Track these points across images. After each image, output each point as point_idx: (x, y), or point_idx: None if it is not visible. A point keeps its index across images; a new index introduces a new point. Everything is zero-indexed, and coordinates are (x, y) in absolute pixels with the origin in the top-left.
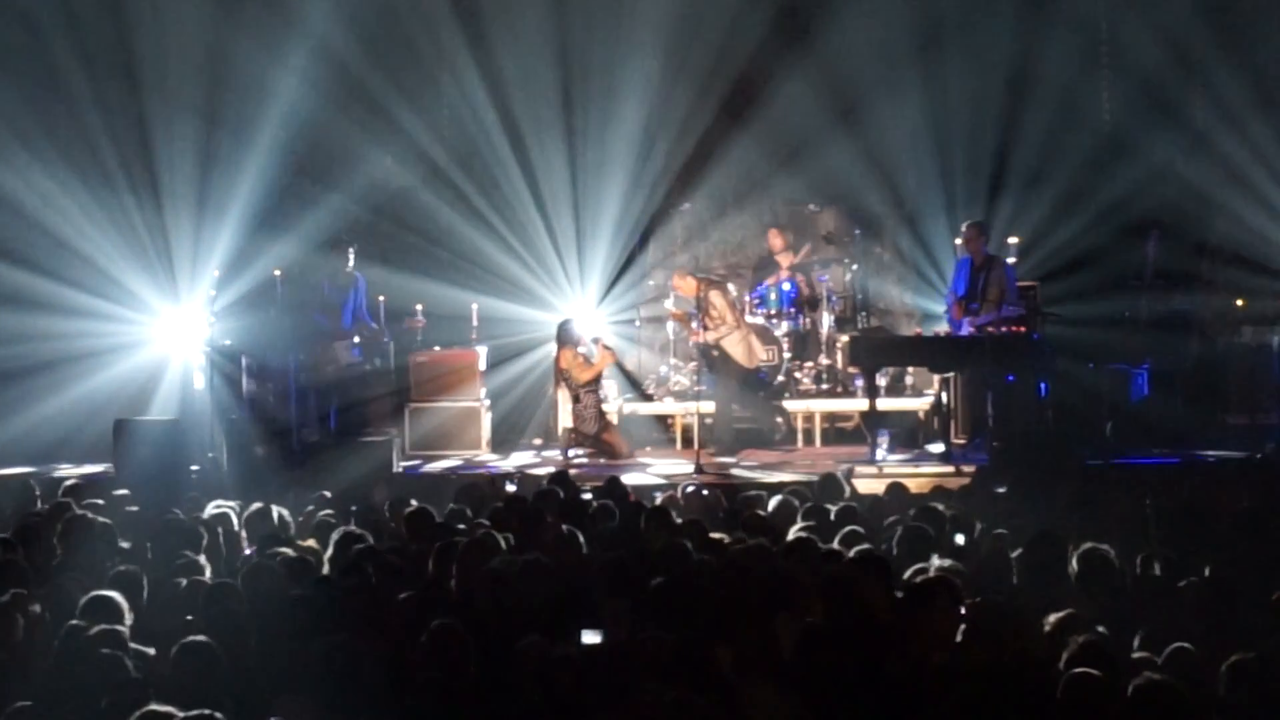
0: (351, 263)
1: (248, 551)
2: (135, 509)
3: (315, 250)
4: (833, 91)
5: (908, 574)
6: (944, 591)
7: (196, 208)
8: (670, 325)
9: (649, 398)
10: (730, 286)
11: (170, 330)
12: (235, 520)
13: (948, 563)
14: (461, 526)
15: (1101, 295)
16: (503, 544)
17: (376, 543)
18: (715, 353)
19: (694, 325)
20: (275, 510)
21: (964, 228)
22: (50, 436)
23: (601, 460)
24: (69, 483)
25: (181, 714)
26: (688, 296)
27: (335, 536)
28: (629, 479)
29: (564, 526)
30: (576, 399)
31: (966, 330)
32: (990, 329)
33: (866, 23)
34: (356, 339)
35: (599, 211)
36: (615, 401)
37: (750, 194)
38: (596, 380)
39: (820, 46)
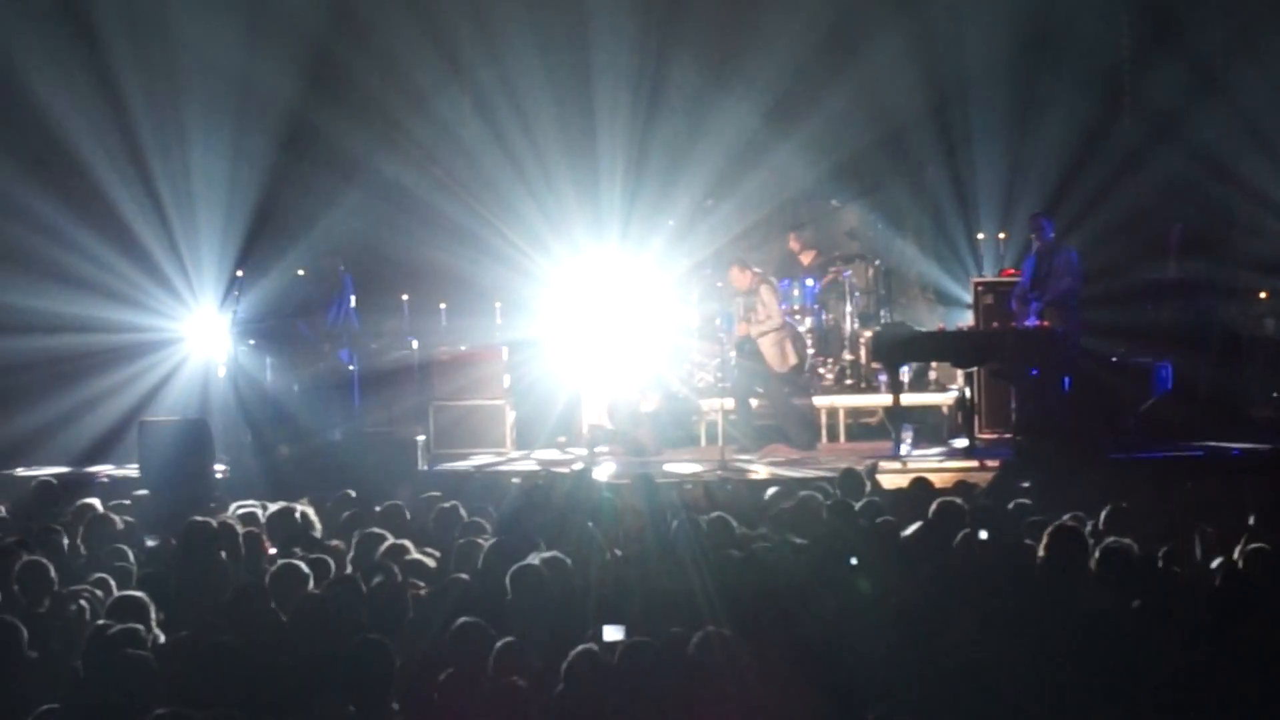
0: (341, 265)
1: (272, 552)
2: (160, 509)
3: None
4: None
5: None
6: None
7: (220, 209)
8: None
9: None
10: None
11: (194, 331)
12: (260, 520)
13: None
14: (484, 524)
15: (1125, 289)
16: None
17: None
18: (748, 348)
19: (721, 323)
20: (299, 510)
21: (1029, 220)
22: (74, 438)
23: (628, 457)
24: (97, 482)
25: (201, 715)
26: (740, 289)
27: (358, 536)
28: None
29: (588, 523)
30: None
31: (1031, 321)
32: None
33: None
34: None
35: (624, 207)
36: (640, 398)
37: (773, 192)
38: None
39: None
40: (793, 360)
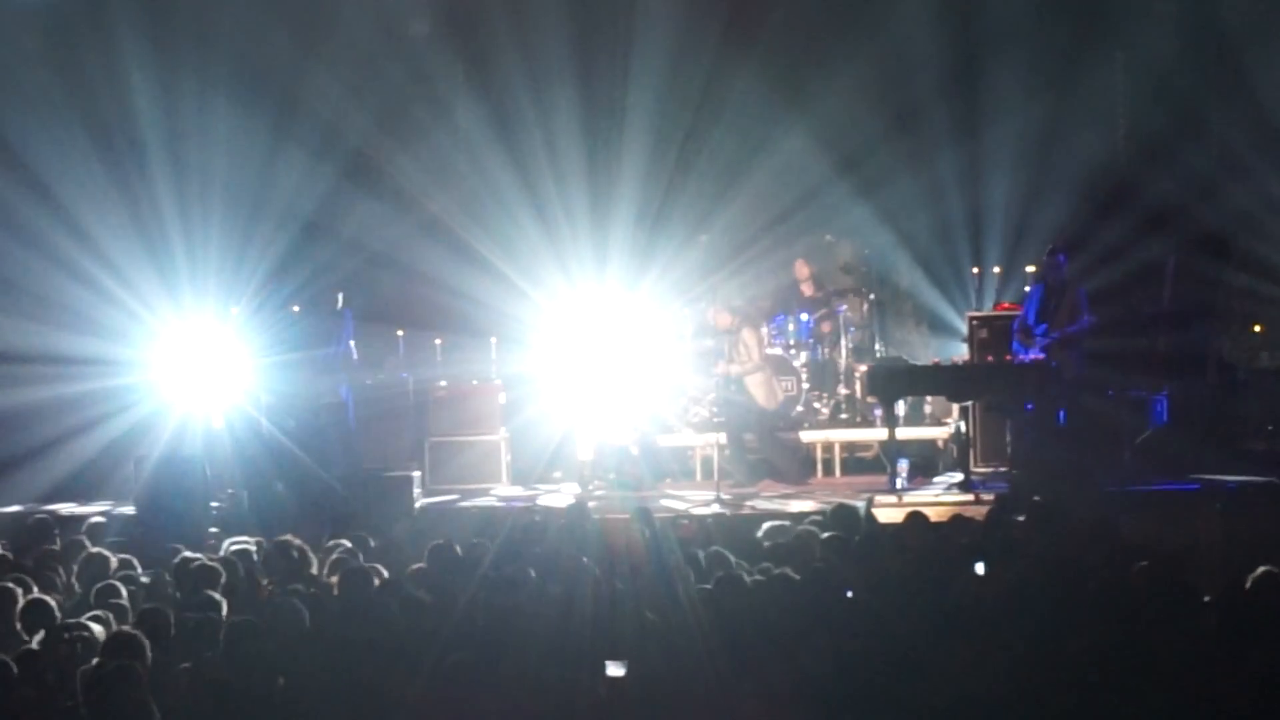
0: (340, 301)
1: (268, 587)
2: (155, 545)
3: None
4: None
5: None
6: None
7: (216, 243)
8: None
9: (668, 429)
10: (763, 329)
11: (190, 367)
12: (254, 556)
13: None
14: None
15: (1120, 322)
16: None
17: (397, 577)
18: (734, 388)
19: (714, 357)
20: (295, 546)
21: (1046, 255)
22: (71, 474)
23: (621, 491)
24: (91, 520)
25: None
26: (721, 329)
27: (353, 572)
28: None
29: (583, 559)
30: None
31: (1033, 354)
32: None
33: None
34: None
35: (618, 243)
36: (635, 433)
37: (768, 226)
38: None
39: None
40: (780, 397)
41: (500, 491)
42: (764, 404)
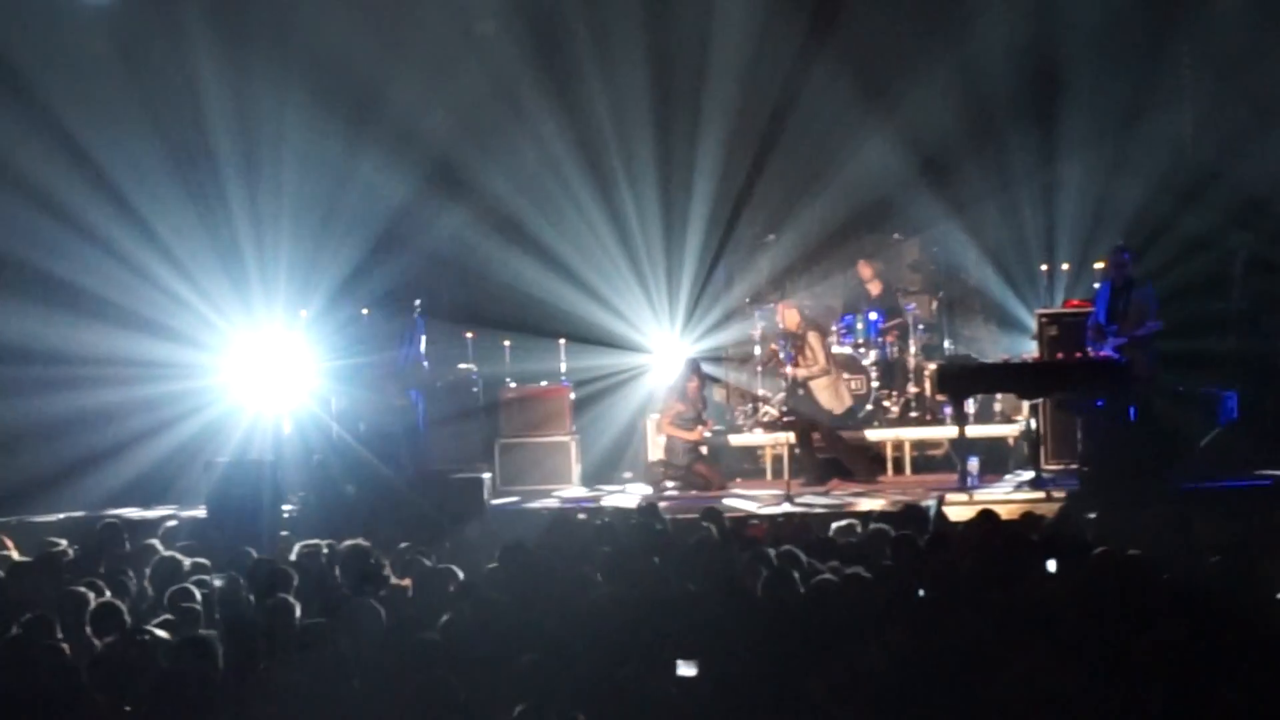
0: (417, 306)
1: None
2: (227, 549)
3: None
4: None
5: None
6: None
7: (287, 247)
8: (757, 354)
9: (738, 429)
10: (830, 334)
11: (260, 371)
12: (323, 560)
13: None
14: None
15: (1190, 318)
16: (596, 578)
17: (471, 579)
18: (801, 391)
19: (783, 358)
20: (368, 548)
21: (1110, 253)
22: (143, 478)
23: (692, 492)
24: (168, 525)
25: None
26: (788, 329)
27: (426, 574)
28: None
29: (654, 559)
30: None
31: (1106, 352)
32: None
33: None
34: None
35: (686, 246)
36: (705, 434)
37: (837, 226)
38: (697, 415)
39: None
40: (848, 402)
41: (570, 492)
42: (828, 407)
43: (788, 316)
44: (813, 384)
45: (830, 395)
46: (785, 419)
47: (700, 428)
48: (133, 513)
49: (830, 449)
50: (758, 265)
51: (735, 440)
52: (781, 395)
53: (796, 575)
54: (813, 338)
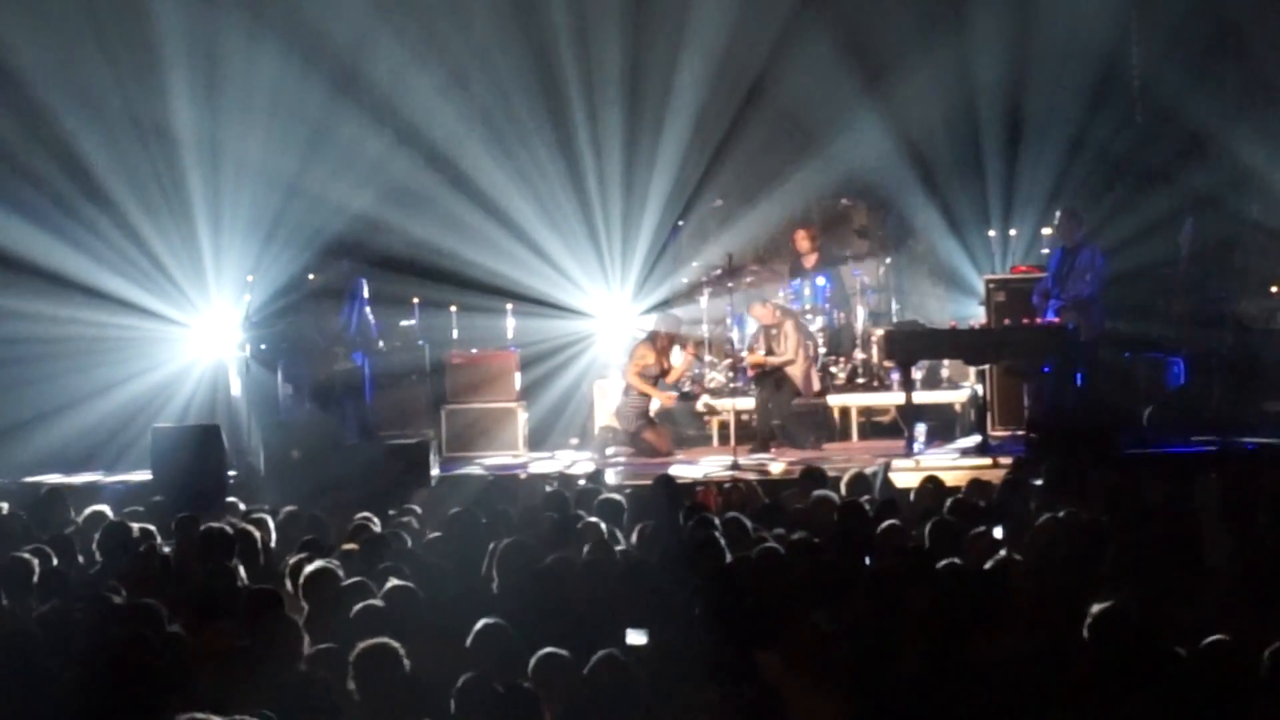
0: (352, 267)
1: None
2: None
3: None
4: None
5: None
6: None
7: (226, 212)
8: (705, 325)
9: (687, 396)
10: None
11: (205, 336)
12: (270, 525)
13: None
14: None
15: (1136, 284)
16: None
17: (418, 545)
18: (774, 373)
19: (757, 349)
20: (312, 515)
21: (1056, 215)
22: (84, 443)
23: (640, 459)
24: (110, 490)
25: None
26: (765, 324)
27: (371, 541)
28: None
29: (602, 525)
30: (626, 391)
31: (1049, 317)
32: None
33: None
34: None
35: (645, 211)
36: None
37: (783, 190)
38: (662, 372)
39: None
40: (817, 386)
41: (517, 458)
42: (800, 388)
43: (762, 314)
44: (789, 369)
45: (803, 378)
46: (733, 384)
47: (666, 393)
48: (79, 478)
49: (781, 416)
50: (706, 229)
51: (683, 406)
52: (728, 361)
53: (744, 541)
54: (789, 325)
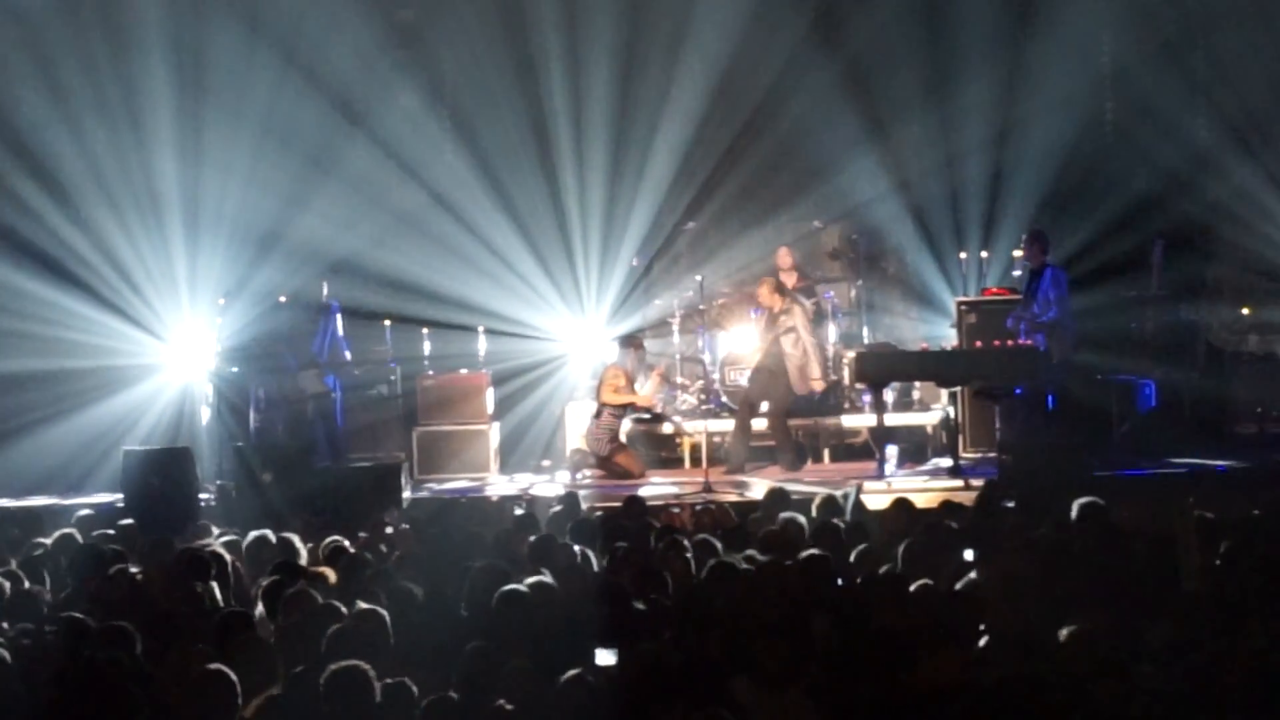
0: (325, 290)
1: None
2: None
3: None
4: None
5: (914, 588)
6: (965, 606)
7: (200, 233)
8: (677, 338)
9: (658, 418)
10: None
11: (176, 359)
12: (242, 548)
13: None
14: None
15: (1108, 307)
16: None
17: (389, 567)
18: (770, 364)
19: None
20: (283, 537)
21: (1024, 239)
22: (54, 466)
23: (612, 481)
24: (80, 513)
25: None
26: (768, 308)
27: (344, 563)
28: None
29: (575, 547)
30: (597, 415)
31: (1022, 340)
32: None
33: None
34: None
35: (607, 232)
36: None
37: (756, 213)
38: (624, 407)
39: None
40: (810, 384)
41: (488, 481)
42: (794, 384)
43: (768, 298)
44: (788, 358)
45: (797, 371)
46: (704, 407)
47: (645, 395)
48: (48, 501)
49: (774, 434)
50: (677, 251)
51: (656, 428)
52: (700, 383)
53: (715, 564)
54: (799, 312)
